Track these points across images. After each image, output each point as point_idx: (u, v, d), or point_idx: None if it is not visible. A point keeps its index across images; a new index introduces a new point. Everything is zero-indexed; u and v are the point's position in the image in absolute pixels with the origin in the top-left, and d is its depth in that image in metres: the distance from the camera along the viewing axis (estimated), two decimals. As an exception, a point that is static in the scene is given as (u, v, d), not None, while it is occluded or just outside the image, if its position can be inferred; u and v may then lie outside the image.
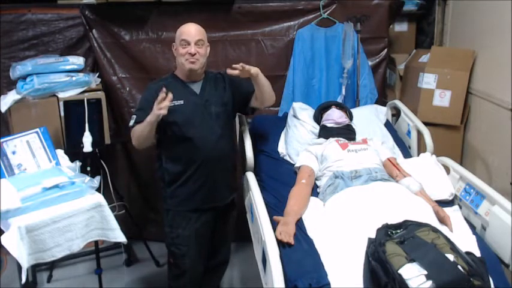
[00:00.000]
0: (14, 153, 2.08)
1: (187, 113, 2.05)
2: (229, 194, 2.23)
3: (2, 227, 1.77)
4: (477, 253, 1.61)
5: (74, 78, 2.67)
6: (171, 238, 2.16)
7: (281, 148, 2.55)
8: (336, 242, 1.68)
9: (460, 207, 2.00)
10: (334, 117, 2.43)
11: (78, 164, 2.14)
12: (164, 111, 1.88)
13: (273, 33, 2.95)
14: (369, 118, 2.66)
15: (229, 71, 2.06)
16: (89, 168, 2.48)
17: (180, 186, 2.10)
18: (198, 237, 2.16)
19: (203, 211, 2.15)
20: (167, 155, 2.11)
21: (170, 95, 1.91)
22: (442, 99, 2.92)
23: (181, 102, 2.05)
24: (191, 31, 2.05)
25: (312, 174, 2.15)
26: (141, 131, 2.00)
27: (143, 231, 2.96)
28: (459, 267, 1.37)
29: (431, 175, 2.14)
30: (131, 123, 2.06)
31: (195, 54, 2.02)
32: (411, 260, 1.39)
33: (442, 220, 1.80)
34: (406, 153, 2.50)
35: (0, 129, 2.71)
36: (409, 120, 2.60)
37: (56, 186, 1.86)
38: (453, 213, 1.91)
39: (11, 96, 2.61)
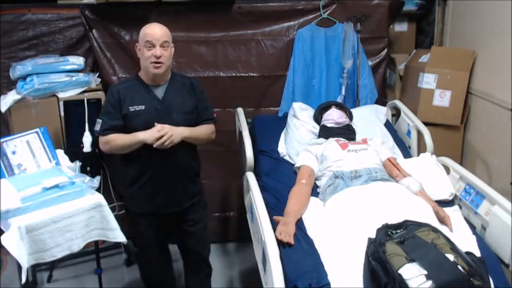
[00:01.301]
0: (14, 153, 2.08)
1: (146, 119, 2.00)
2: (187, 200, 2.19)
3: (2, 227, 1.77)
4: (477, 253, 1.61)
5: (74, 78, 2.67)
6: (132, 236, 2.25)
7: (281, 148, 2.55)
8: (336, 242, 1.68)
9: (460, 207, 1.99)
10: (334, 117, 2.43)
11: (78, 164, 2.14)
12: (165, 147, 1.94)
13: (273, 33, 2.95)
14: (369, 118, 2.66)
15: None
16: (88, 168, 2.48)
17: (137, 189, 2.11)
18: (156, 238, 2.21)
19: (161, 215, 2.16)
20: (125, 158, 2.08)
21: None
22: (442, 99, 2.92)
23: (142, 107, 2.01)
24: (156, 32, 1.97)
25: (312, 174, 2.15)
26: (124, 144, 1.99)
27: (143, 231, 2.96)
28: (459, 267, 1.37)
29: (431, 175, 2.14)
30: (97, 128, 2.02)
31: (160, 57, 1.96)
32: (411, 260, 1.39)
33: (442, 220, 1.80)
34: (406, 153, 2.50)
35: (0, 129, 2.71)
36: (409, 120, 2.60)
37: (56, 186, 1.86)
38: (453, 213, 1.91)
39: (11, 96, 2.61)
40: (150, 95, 2.05)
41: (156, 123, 1.98)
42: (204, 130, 2.15)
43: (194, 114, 2.12)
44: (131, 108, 2.01)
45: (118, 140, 1.99)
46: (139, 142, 1.97)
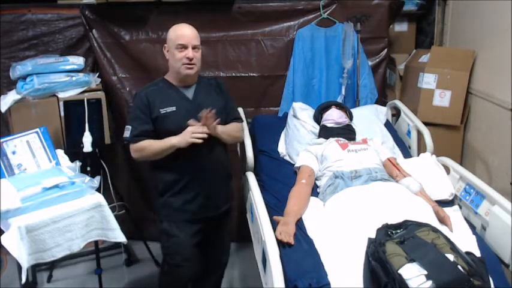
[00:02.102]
0: (14, 153, 2.08)
1: (179, 120, 1.94)
2: (224, 203, 2.13)
3: (2, 227, 1.77)
4: (477, 253, 1.61)
5: (74, 78, 2.67)
6: (166, 247, 2.09)
7: (281, 148, 2.56)
8: (336, 242, 1.68)
9: (460, 207, 2.00)
10: (334, 117, 2.43)
11: (78, 164, 2.14)
12: (198, 140, 1.87)
13: (273, 33, 2.95)
14: (369, 118, 2.67)
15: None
16: (89, 168, 2.48)
17: (172, 196, 2.03)
18: (192, 247, 2.09)
19: (197, 221, 2.07)
20: (161, 163, 1.99)
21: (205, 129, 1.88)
22: (442, 99, 2.92)
23: (173, 108, 1.96)
24: (188, 34, 1.96)
25: (312, 174, 2.15)
26: (157, 150, 1.92)
27: (143, 231, 2.96)
28: (459, 267, 1.37)
29: (431, 175, 2.14)
30: (127, 134, 1.96)
31: (192, 59, 1.95)
32: (411, 260, 1.39)
33: (442, 220, 1.80)
34: (406, 153, 2.50)
35: (0, 129, 2.71)
36: (409, 120, 2.60)
37: (56, 186, 1.86)
38: (453, 213, 1.91)
39: (11, 96, 2.61)
40: (179, 96, 2.01)
41: (189, 122, 1.91)
42: (234, 128, 2.11)
43: (224, 114, 2.07)
44: (162, 111, 1.95)
45: (151, 146, 1.93)
46: (172, 147, 1.91)
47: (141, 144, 1.94)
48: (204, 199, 2.04)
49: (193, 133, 1.87)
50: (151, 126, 1.96)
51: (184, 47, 1.94)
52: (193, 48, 1.96)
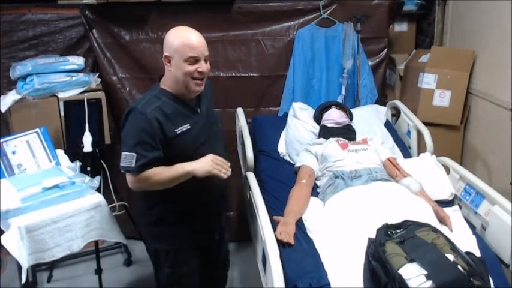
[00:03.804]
0: (14, 153, 2.09)
1: (195, 140, 1.71)
2: (222, 222, 2.02)
3: (2, 227, 1.77)
4: (477, 253, 1.61)
5: (74, 78, 2.67)
6: (173, 279, 1.86)
7: (281, 148, 2.55)
8: (336, 242, 1.68)
9: (460, 207, 1.99)
10: (334, 117, 2.43)
11: (78, 164, 2.14)
12: (222, 175, 1.64)
13: (273, 33, 2.95)
14: (369, 118, 2.66)
15: None
16: (89, 168, 2.48)
17: (185, 224, 1.80)
18: (200, 269, 1.93)
19: (203, 244, 1.92)
20: (174, 191, 1.68)
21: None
22: (442, 99, 2.92)
23: (188, 126, 1.69)
24: (200, 44, 1.66)
25: (312, 174, 2.15)
26: (166, 179, 1.63)
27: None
28: (459, 267, 1.37)
29: (431, 175, 2.14)
30: (131, 164, 1.61)
31: (204, 72, 1.68)
32: (411, 260, 1.39)
33: (442, 220, 1.80)
34: (406, 153, 2.50)
35: (0, 129, 2.71)
36: (409, 120, 2.60)
37: (56, 186, 1.86)
38: (453, 213, 1.91)
39: (11, 96, 2.61)
40: (189, 111, 1.73)
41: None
42: None
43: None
44: (177, 130, 1.66)
45: (160, 174, 1.63)
46: (187, 175, 1.64)
47: (146, 174, 1.62)
48: (213, 220, 1.92)
49: (216, 164, 1.64)
50: (161, 152, 1.65)
51: (196, 60, 1.65)
52: (205, 60, 1.68)
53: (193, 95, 1.74)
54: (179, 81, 1.68)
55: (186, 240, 1.84)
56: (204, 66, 1.67)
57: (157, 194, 1.71)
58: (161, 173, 1.63)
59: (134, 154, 1.61)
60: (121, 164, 1.63)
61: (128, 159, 1.61)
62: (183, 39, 1.64)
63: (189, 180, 1.66)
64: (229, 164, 1.68)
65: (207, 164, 1.63)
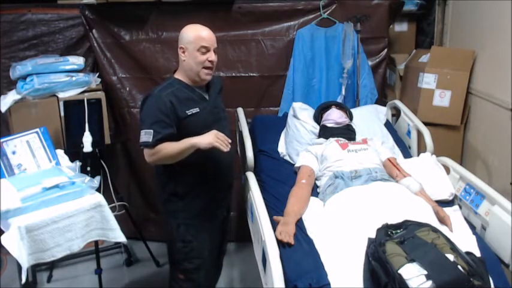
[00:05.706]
0: (14, 153, 2.08)
1: (203, 122, 1.91)
2: (230, 195, 2.18)
3: (2, 227, 1.77)
4: (477, 253, 1.61)
5: (74, 78, 2.67)
6: (184, 253, 2.02)
7: (281, 148, 2.56)
8: (336, 242, 1.68)
9: (460, 207, 2.00)
10: (334, 117, 2.43)
11: (78, 164, 2.13)
12: (222, 148, 1.79)
13: (273, 33, 2.95)
14: (369, 118, 2.67)
15: None
16: (89, 168, 2.48)
17: (195, 197, 1.98)
18: (210, 246, 2.08)
19: (213, 218, 2.09)
20: (184, 166, 1.89)
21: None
22: (442, 99, 2.92)
23: (197, 109, 1.91)
24: (210, 37, 1.93)
25: (312, 174, 2.15)
26: (175, 151, 1.83)
27: (143, 231, 2.96)
28: (459, 267, 1.37)
29: (431, 175, 2.14)
30: (148, 139, 1.82)
31: (213, 62, 1.93)
32: (411, 260, 1.39)
33: (442, 220, 1.80)
34: (406, 153, 2.50)
35: (0, 129, 2.71)
36: (409, 120, 2.60)
37: (56, 186, 1.86)
38: (453, 213, 1.91)
39: (11, 96, 2.61)
40: (199, 97, 1.96)
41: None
42: None
43: (225, 113, 2.10)
44: (188, 112, 1.89)
45: (168, 148, 1.83)
46: (192, 147, 1.81)
47: (159, 147, 1.83)
48: (223, 196, 2.09)
49: (218, 138, 1.80)
50: (175, 129, 1.86)
51: (207, 49, 1.91)
52: (214, 50, 1.94)
53: (203, 83, 1.98)
54: (192, 70, 1.93)
55: (196, 215, 2.00)
56: (213, 56, 1.93)
57: (169, 171, 1.96)
58: (169, 146, 1.84)
59: (151, 131, 1.83)
60: (140, 141, 1.85)
61: (146, 135, 1.84)
62: (197, 32, 1.93)
63: (197, 155, 1.84)
64: (230, 141, 1.84)
65: (209, 137, 1.80)
